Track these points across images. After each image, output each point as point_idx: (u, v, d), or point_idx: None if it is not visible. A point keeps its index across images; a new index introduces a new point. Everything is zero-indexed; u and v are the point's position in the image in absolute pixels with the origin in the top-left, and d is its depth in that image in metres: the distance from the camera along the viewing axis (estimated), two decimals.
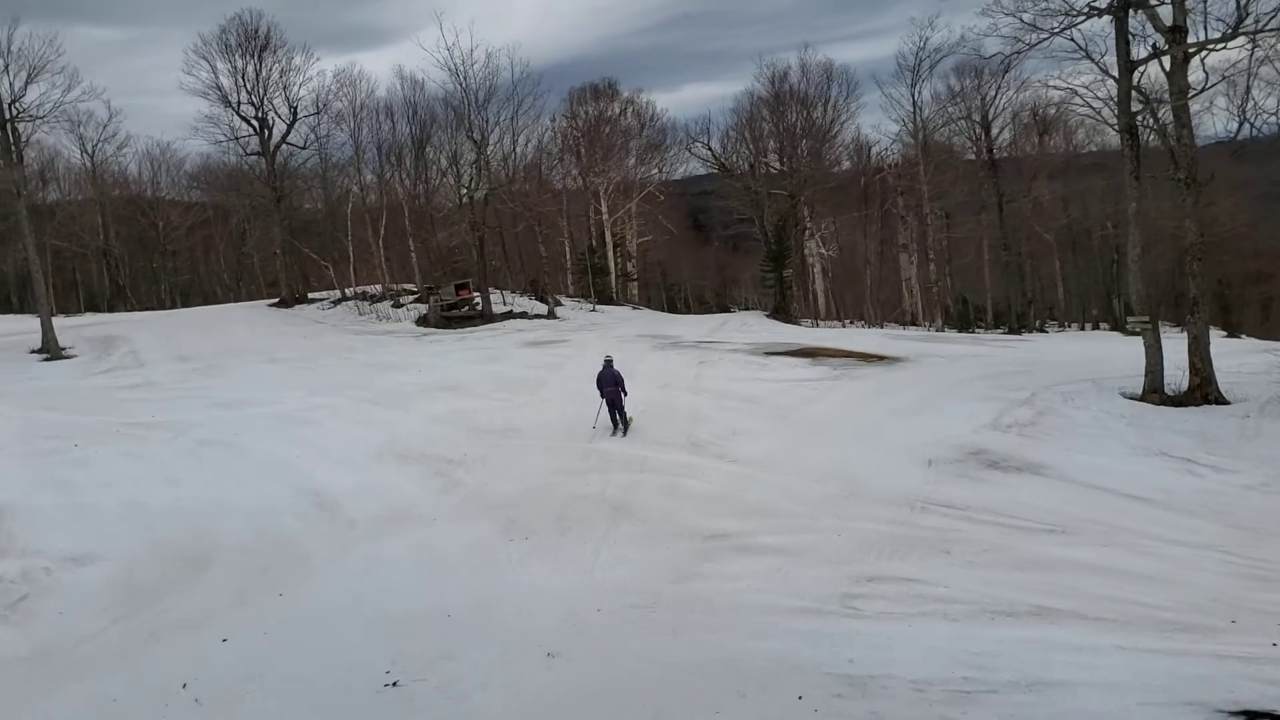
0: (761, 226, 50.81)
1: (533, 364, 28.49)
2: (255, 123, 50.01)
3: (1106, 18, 21.30)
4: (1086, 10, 21.25)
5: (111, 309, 60.35)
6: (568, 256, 59.89)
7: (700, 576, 11.34)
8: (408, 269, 54.19)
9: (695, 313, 56.82)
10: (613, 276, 55.86)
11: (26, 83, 36.29)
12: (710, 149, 53.76)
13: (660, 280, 70.86)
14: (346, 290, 51.02)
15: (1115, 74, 21.70)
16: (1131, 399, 21.07)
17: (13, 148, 36.76)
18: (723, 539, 13.09)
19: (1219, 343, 26.71)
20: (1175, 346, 22.41)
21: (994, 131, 47.66)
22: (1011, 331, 43.03)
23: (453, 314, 45.02)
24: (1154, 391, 20.90)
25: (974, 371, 24.87)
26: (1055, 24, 21.72)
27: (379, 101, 52.86)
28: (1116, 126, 21.64)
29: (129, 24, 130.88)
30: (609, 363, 19.91)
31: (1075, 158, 50.57)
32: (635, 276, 60.46)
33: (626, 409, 19.62)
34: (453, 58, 47.13)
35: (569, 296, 53.74)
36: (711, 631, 9.44)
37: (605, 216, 55.59)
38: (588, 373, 25.98)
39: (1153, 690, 7.75)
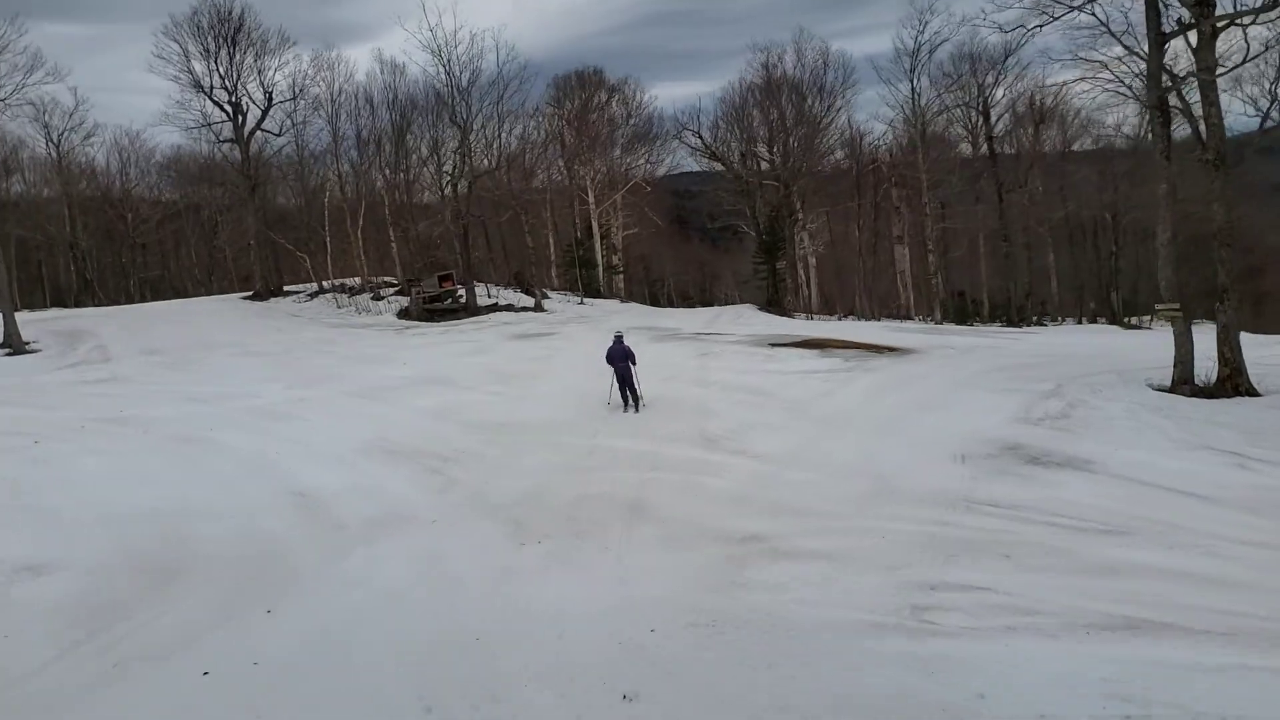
0: (753, 217, 49.59)
1: (525, 356, 27.18)
2: (229, 108, 48.21)
3: None
4: None
5: (79, 304, 58.24)
6: (552, 249, 58.47)
7: (743, 586, 10.09)
8: (388, 261, 52.61)
9: (679, 307, 55.57)
10: (600, 269, 54.49)
11: None
12: (700, 137, 52.45)
13: (643, 275, 69.79)
14: (324, 282, 49.40)
15: (1137, 51, 20.79)
16: (1160, 390, 20.14)
17: None
18: (754, 542, 11.87)
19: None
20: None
21: (992, 118, 46.68)
22: (1010, 324, 42.15)
23: (435, 306, 43.59)
24: (1184, 383, 19.95)
25: (989, 363, 23.85)
26: None
27: (358, 86, 51.28)
28: (1145, 103, 20.62)
29: (95, 21, 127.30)
30: (619, 338, 20.11)
31: (1070, 154, 49.94)
32: (621, 270, 59.11)
33: (638, 386, 19.61)
34: (435, 39, 45.68)
35: (554, 289, 52.33)
36: (802, 661, 7.99)
37: (592, 206, 54.20)
38: (584, 365, 25.03)
39: None
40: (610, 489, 14.61)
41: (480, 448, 17.15)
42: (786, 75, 51.21)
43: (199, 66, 47.19)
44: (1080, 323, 45.52)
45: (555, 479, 15.26)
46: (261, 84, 48.29)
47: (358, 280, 49.02)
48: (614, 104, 58.80)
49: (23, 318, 37.41)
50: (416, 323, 41.30)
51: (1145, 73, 21.66)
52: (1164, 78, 20.01)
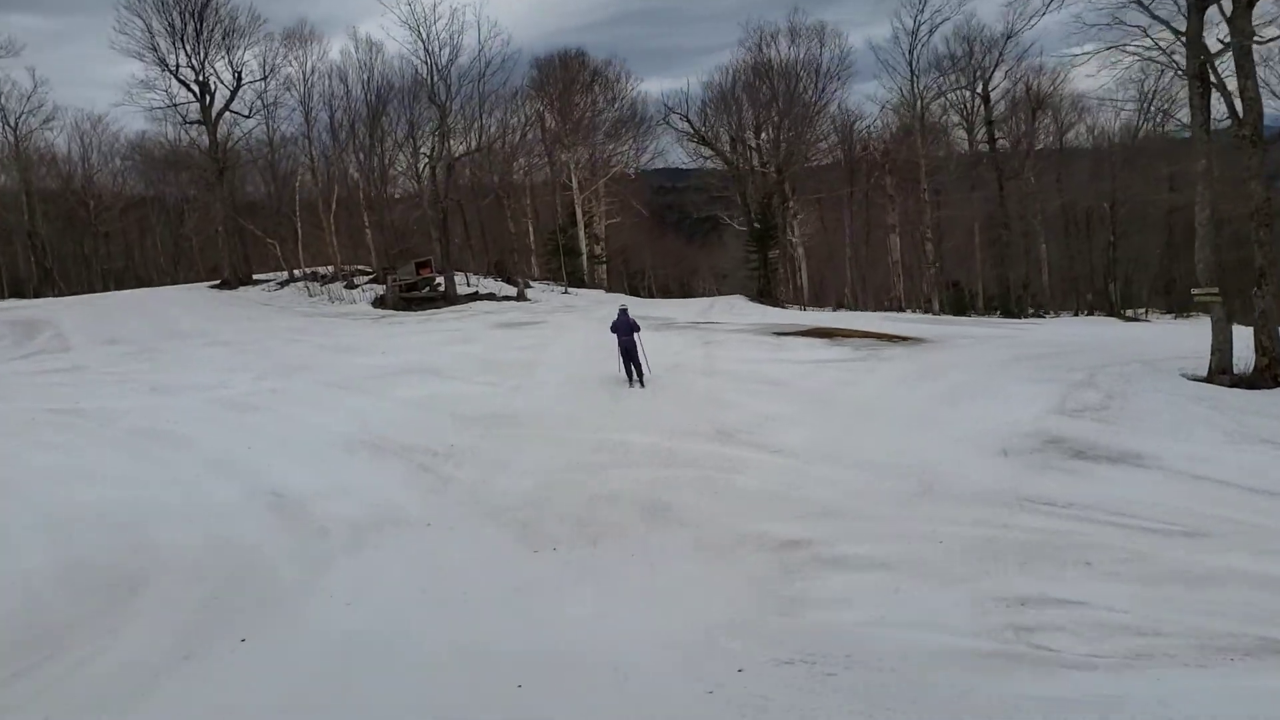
0: (744, 204, 48.08)
1: (514, 345, 25.61)
2: (196, 87, 45.87)
3: None
4: None
5: (38, 295, 55.68)
6: (532, 238, 56.71)
7: (804, 603, 8.67)
8: (362, 249, 50.63)
9: (660, 299, 54.05)
10: (584, 258, 52.83)
11: None
12: (689, 120, 50.76)
13: (624, 267, 68.36)
14: (295, 271, 47.35)
15: (1167, 22, 19.60)
16: (1195, 380, 18.98)
17: None
18: (796, 548, 10.47)
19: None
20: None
21: (991, 101, 45.46)
22: (1009, 315, 41.05)
23: (413, 295, 41.75)
24: (1222, 372, 18.79)
25: (1008, 353, 22.60)
26: None
27: (332, 65, 49.26)
28: (1186, 72, 19.41)
29: (57, 14, 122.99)
30: (624, 310, 19.69)
31: (1067, 149, 49.10)
32: (604, 259, 57.45)
33: (644, 360, 19.13)
34: (414, 13, 43.73)
35: (536, 279, 50.61)
36: (928, 710, 6.40)
37: (576, 193, 52.49)
38: (580, 354, 23.53)
39: None
40: (622, 488, 13.19)
41: (474, 442, 15.63)
42: (780, 56, 49.64)
43: (164, 44, 44.94)
44: (1076, 314, 44.57)
45: (561, 477, 13.80)
46: (230, 63, 46.07)
47: (330, 268, 47.04)
48: (597, 87, 57.03)
49: None
50: (393, 312, 39.49)
51: (1169, 47, 20.58)
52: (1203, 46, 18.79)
